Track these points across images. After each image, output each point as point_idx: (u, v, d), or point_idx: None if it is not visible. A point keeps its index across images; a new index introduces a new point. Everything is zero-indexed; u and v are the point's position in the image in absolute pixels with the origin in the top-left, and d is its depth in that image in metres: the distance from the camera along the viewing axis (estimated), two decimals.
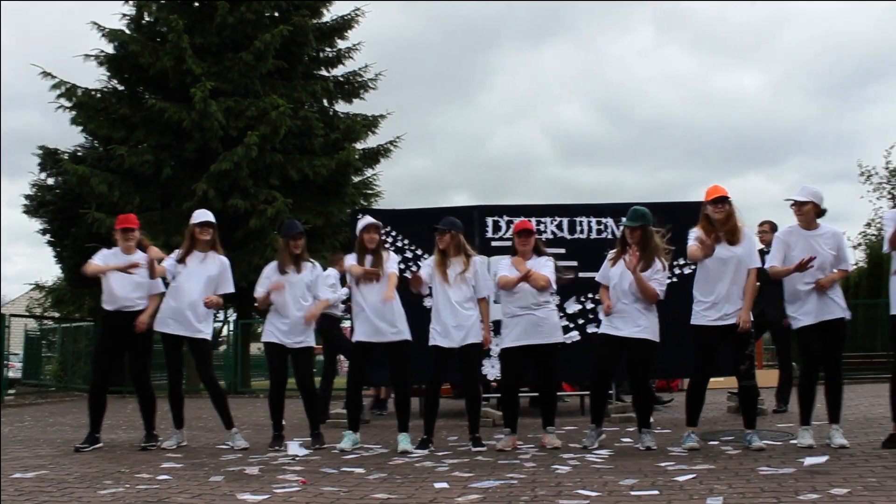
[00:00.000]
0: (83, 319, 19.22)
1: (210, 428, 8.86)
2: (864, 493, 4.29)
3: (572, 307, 8.77)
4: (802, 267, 5.92)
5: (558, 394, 10.09)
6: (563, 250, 8.53)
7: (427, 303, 8.60)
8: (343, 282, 8.34)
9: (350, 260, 6.82)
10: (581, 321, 8.75)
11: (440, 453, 6.35)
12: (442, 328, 6.68)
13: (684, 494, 4.44)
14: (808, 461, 5.25)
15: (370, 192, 19.77)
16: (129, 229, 7.13)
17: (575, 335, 8.73)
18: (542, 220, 8.92)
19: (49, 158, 19.72)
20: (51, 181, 20.27)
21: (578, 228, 8.95)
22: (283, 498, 4.68)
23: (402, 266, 8.26)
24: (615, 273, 6.43)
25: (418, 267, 8.83)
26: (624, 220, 6.50)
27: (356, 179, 19.52)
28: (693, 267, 6.64)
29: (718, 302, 6.14)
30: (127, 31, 18.23)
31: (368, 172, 19.87)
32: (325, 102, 19.69)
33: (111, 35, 17.99)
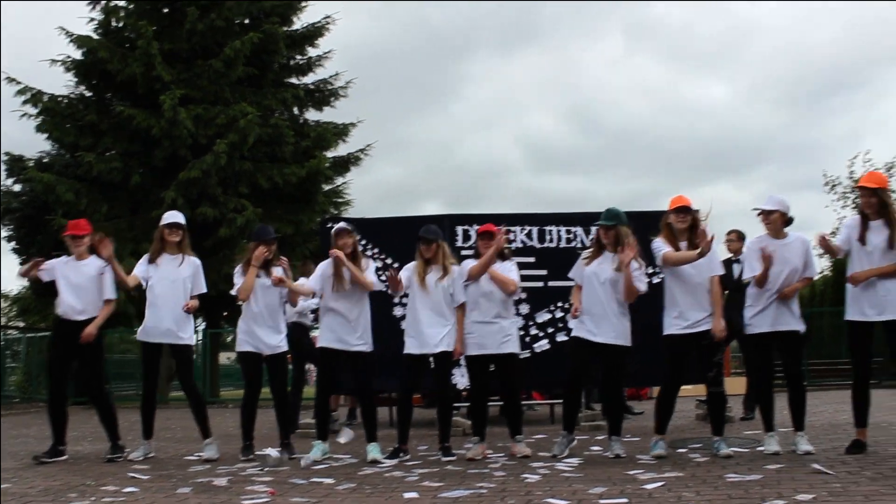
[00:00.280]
0: (48, 329, 18.96)
1: (178, 439, 8.77)
2: (828, 498, 4.35)
3: (542, 316, 8.80)
4: (768, 260, 6.01)
5: (529, 402, 10.19)
6: (532, 259, 8.56)
7: (397, 311, 8.60)
8: None
9: (325, 266, 6.78)
10: (551, 330, 8.78)
11: (410, 463, 6.33)
12: (417, 335, 6.67)
13: (653, 502, 4.47)
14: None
15: (341, 200, 19.74)
16: (77, 236, 7.06)
17: (545, 344, 8.75)
18: (512, 228, 8.93)
19: (15, 165, 19.45)
20: (17, 188, 19.99)
21: (548, 237, 8.99)
22: None
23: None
24: (589, 272, 6.45)
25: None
26: (599, 221, 6.53)
27: (327, 188, 19.48)
28: (661, 276, 6.70)
29: (685, 310, 6.20)
30: (95, 37, 18.06)
31: (339, 181, 19.87)
32: (296, 110, 19.64)
33: (79, 41, 17.81)
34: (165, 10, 18.26)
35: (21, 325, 20.06)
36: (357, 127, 19.60)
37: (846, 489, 4.59)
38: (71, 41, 17.83)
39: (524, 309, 8.67)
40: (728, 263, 7.97)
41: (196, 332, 19.58)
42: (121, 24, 18.20)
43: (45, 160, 18.98)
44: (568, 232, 9.00)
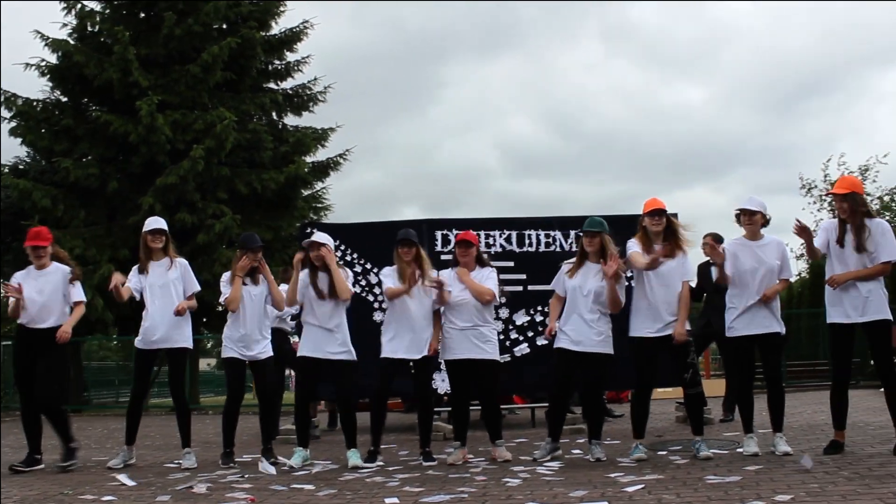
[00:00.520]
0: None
1: (157, 446, 8.70)
2: (806, 498, 4.39)
3: (521, 319, 8.82)
4: (721, 265, 6.13)
5: (510, 406, 10.20)
6: (511, 263, 8.59)
7: (377, 316, 8.59)
8: None
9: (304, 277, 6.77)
10: (531, 333, 8.80)
11: (391, 468, 6.32)
12: (396, 340, 6.66)
13: None
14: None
15: (320, 205, 19.69)
16: (38, 247, 6.85)
17: (524, 348, 8.78)
18: (491, 233, 8.97)
19: None
20: None
21: (527, 242, 9.01)
22: None
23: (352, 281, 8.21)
24: (573, 285, 6.46)
25: (367, 281, 8.82)
26: (582, 229, 6.55)
27: (306, 193, 19.43)
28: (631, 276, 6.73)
29: (653, 313, 6.24)
30: (71, 42, 17.91)
31: (318, 186, 19.81)
32: (274, 115, 19.58)
33: (54, 44, 17.66)
34: (142, 15, 18.15)
35: None
36: (336, 132, 19.58)
37: (824, 489, 4.63)
38: (46, 45, 17.68)
39: (504, 313, 8.69)
40: (706, 266, 8.02)
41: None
42: (96, 30, 18.06)
43: (20, 166, 18.80)
44: (547, 236, 9.03)
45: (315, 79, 19.74)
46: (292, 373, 10.42)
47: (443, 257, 8.81)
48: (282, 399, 9.54)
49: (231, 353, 6.96)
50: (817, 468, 5.35)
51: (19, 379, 7.00)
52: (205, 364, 39.16)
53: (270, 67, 19.84)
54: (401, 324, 6.69)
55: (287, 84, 19.88)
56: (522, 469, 5.96)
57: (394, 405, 10.79)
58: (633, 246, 6.32)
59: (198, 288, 7.18)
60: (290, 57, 19.91)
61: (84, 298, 7.06)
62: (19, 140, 17.76)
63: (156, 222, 7.14)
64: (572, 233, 8.88)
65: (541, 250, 9.00)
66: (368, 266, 8.82)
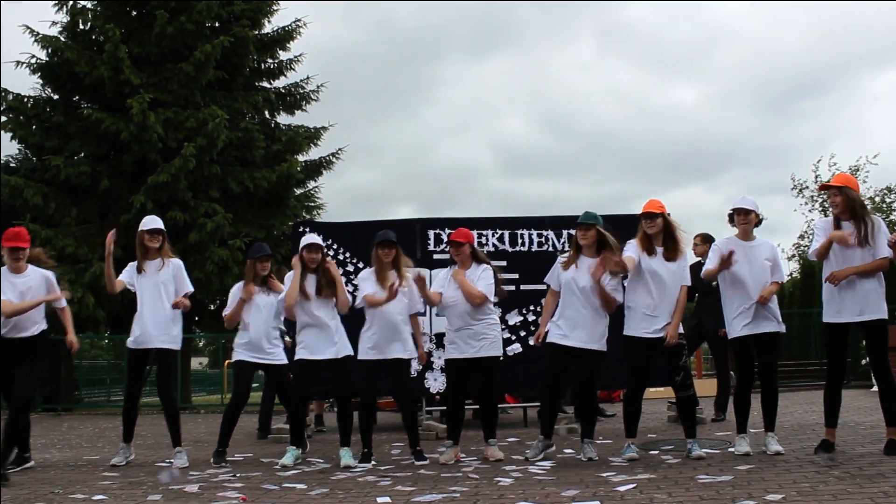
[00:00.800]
0: None
1: (148, 445, 8.68)
2: (797, 498, 4.40)
3: (514, 319, 8.83)
4: (727, 262, 6.08)
5: (502, 405, 10.19)
6: (504, 263, 8.58)
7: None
8: None
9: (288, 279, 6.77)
10: (523, 333, 8.80)
11: (383, 467, 6.32)
12: (374, 341, 6.63)
13: None
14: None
15: (312, 204, 19.63)
16: (17, 248, 6.46)
17: (517, 347, 8.78)
18: (484, 232, 8.98)
19: None
20: None
21: (520, 241, 9.02)
22: None
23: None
24: (567, 278, 6.45)
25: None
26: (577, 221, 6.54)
27: (298, 192, 19.37)
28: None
29: (650, 314, 6.25)
30: (62, 39, 17.83)
31: (310, 185, 19.75)
32: (267, 114, 19.52)
33: (45, 41, 17.57)
34: (134, 13, 18.08)
35: None
36: (329, 131, 19.53)
37: (815, 489, 4.64)
38: (36, 41, 17.58)
39: (496, 312, 8.67)
40: (697, 267, 8.03)
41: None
42: (88, 27, 17.98)
43: (11, 164, 18.73)
44: (539, 236, 9.04)
45: (308, 78, 19.70)
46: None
47: (436, 256, 8.83)
48: (273, 398, 9.52)
49: (241, 355, 7.11)
50: (808, 467, 5.37)
51: (1, 388, 6.59)
52: (196, 363, 39.11)
53: (263, 66, 19.77)
54: (378, 325, 6.65)
55: (279, 83, 19.84)
56: (514, 468, 5.97)
57: (387, 404, 10.78)
58: (630, 248, 6.33)
59: (190, 289, 7.15)
60: (283, 56, 19.84)
61: (66, 304, 6.92)
62: (10, 136, 17.65)
63: (153, 221, 7.10)
64: (565, 232, 8.89)
65: (533, 250, 9.01)
66: (361, 265, 8.80)
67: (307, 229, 8.93)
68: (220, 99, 17.83)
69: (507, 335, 8.71)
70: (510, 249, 8.99)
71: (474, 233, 8.66)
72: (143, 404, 15.65)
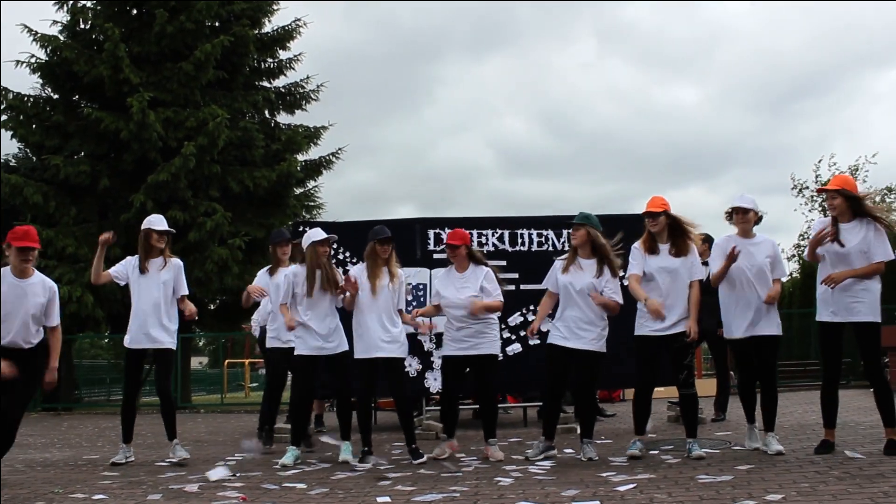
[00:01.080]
0: None
1: (149, 445, 8.68)
2: (797, 498, 4.40)
3: (515, 320, 8.82)
4: (733, 258, 6.09)
5: (502, 405, 10.19)
6: (503, 262, 8.58)
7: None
8: None
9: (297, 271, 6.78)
10: (523, 333, 8.78)
11: (383, 467, 6.32)
12: (366, 341, 6.61)
13: None
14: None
15: (312, 204, 19.63)
16: (28, 249, 6.00)
17: (517, 347, 8.78)
18: (484, 232, 8.97)
19: None
20: None
21: (520, 241, 9.02)
22: None
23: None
24: (565, 281, 6.45)
25: None
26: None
27: (298, 191, 19.37)
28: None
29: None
30: (61, 38, 17.83)
31: (310, 184, 19.75)
32: (267, 113, 19.53)
33: (45, 40, 17.57)
34: (134, 13, 18.08)
35: None
36: (328, 130, 19.53)
37: (815, 489, 4.64)
38: (35, 40, 17.57)
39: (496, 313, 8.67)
40: None
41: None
42: (88, 26, 17.97)
43: (11, 163, 18.72)
44: (539, 235, 9.04)
45: (308, 77, 19.71)
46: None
47: (436, 256, 8.83)
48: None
49: (275, 342, 7.47)
50: (808, 467, 5.36)
51: None
52: (196, 363, 39.13)
53: (263, 65, 19.77)
54: (367, 323, 6.63)
55: (279, 82, 19.84)
56: (514, 468, 5.97)
57: (387, 404, 10.77)
58: (636, 253, 6.36)
59: (186, 291, 7.10)
60: (283, 55, 19.85)
61: (58, 322, 6.29)
62: (10, 134, 17.66)
63: (163, 222, 7.09)
64: (565, 232, 8.88)
65: (533, 249, 9.01)
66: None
67: (307, 229, 8.92)
68: (220, 98, 17.82)
69: (507, 335, 8.71)
70: (510, 249, 8.98)
71: (474, 232, 8.71)
72: (142, 403, 15.69)
